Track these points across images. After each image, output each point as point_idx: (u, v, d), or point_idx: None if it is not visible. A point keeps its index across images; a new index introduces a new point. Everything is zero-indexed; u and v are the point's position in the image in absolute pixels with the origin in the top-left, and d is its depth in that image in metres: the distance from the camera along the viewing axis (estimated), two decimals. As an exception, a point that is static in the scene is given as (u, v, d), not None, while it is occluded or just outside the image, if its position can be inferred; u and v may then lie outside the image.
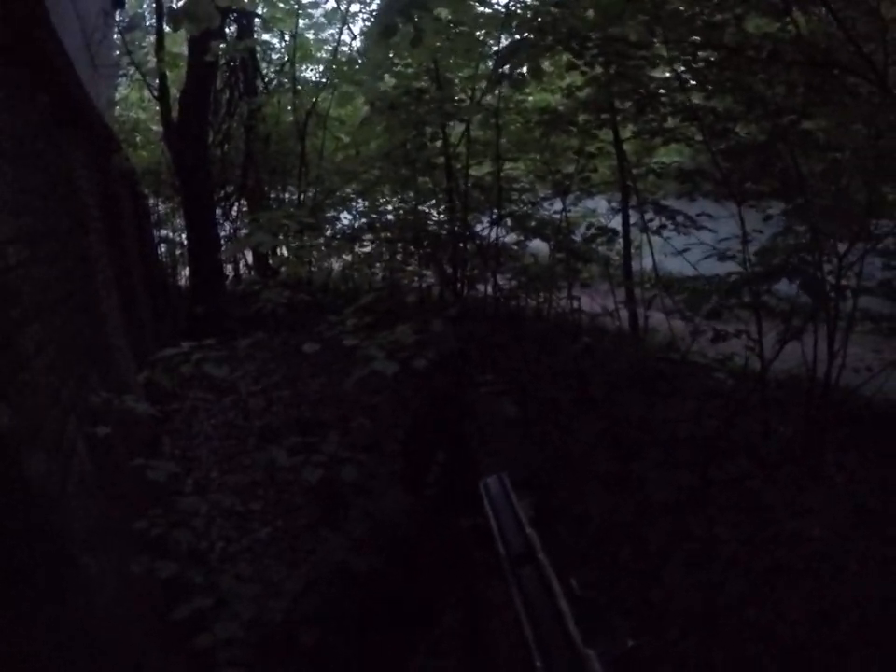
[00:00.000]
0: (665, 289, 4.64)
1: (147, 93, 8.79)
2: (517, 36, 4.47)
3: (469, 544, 1.43)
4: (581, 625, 0.85)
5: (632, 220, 5.44)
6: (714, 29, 3.72)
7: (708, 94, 4.31)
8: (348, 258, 7.02)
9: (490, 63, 5.29)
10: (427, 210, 6.28)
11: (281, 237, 4.55)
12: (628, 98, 4.53)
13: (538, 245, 5.79)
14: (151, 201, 8.58)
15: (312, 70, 9.08)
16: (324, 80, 8.01)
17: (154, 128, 9.38)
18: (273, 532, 2.66)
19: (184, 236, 8.09)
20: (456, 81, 5.83)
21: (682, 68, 4.23)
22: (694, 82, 4.30)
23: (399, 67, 5.94)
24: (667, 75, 4.45)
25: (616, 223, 5.49)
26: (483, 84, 5.20)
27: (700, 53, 4.07)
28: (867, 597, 3.13)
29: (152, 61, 7.83)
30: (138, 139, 9.24)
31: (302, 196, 7.54)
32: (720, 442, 3.89)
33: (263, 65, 9.16)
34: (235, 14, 7.90)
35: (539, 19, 4.18)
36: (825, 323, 4.09)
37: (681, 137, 4.65)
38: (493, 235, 5.59)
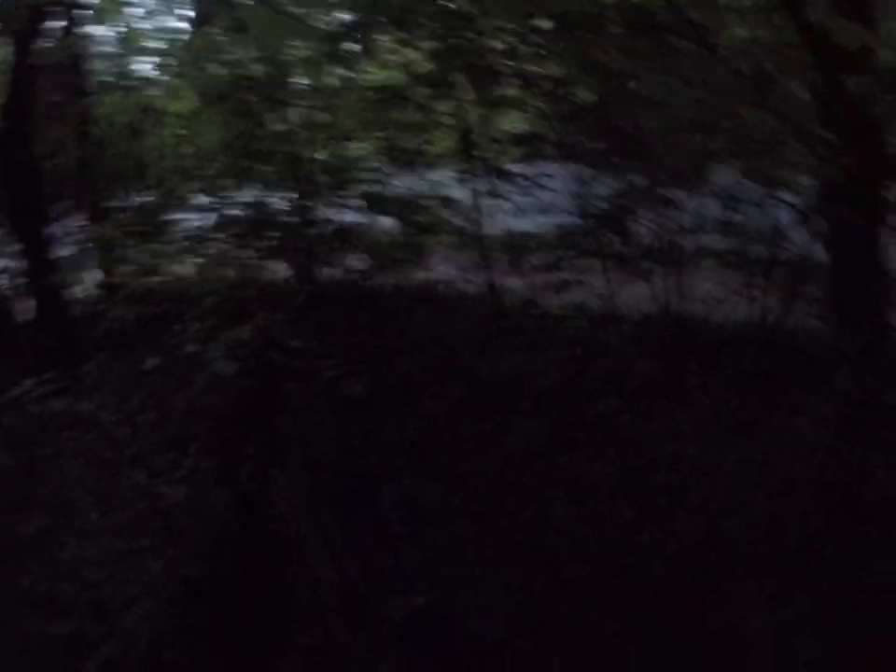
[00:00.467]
0: (512, 250, 4.82)
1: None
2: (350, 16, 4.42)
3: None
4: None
5: (479, 188, 5.56)
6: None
7: (543, 61, 4.44)
8: (199, 260, 6.74)
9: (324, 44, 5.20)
10: (273, 200, 6.13)
11: (120, 249, 4.33)
12: (465, 70, 4.60)
13: (390, 222, 5.82)
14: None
15: (147, 63, 8.50)
16: (157, 74, 7.56)
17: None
18: (168, 563, 2.60)
19: (20, 263, 7.46)
20: (291, 65, 5.68)
21: (515, 39, 4.34)
22: (529, 51, 4.42)
23: (231, 55, 5.71)
24: (502, 45, 4.54)
25: (464, 192, 5.58)
26: (321, 65, 5.12)
27: (538, 23, 4.19)
28: (746, 501, 3.43)
29: None
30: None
31: (140, 201, 7.15)
32: (583, 384, 4.09)
33: (96, 62, 8.45)
34: (63, 7, 7.24)
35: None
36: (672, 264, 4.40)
37: (520, 104, 4.79)
38: (343, 218, 5.56)
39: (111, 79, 8.23)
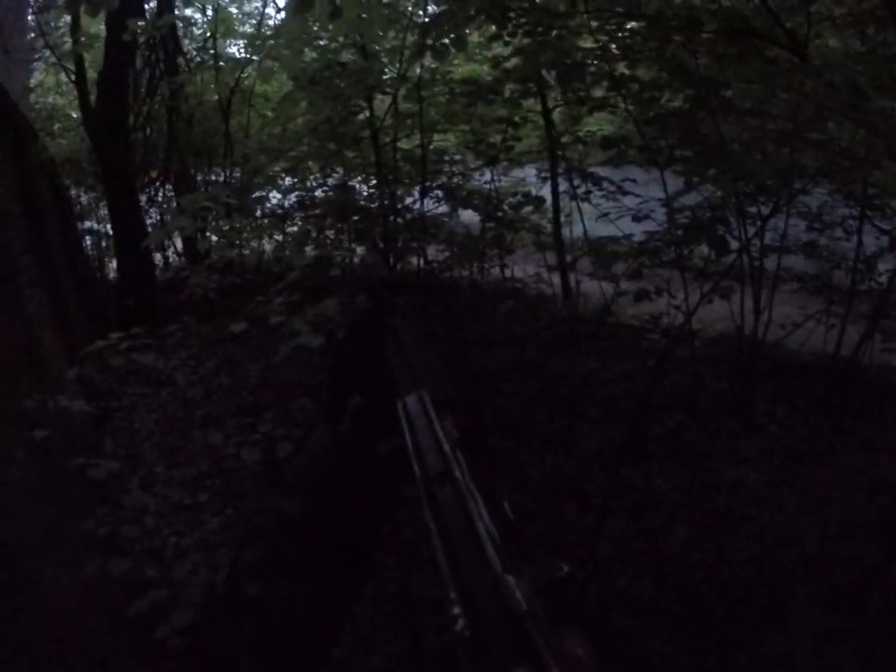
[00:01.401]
0: (595, 254, 4.77)
1: (63, 77, 8.34)
2: (440, 7, 4.45)
3: (387, 469, 1.39)
4: (504, 550, 0.75)
5: (561, 188, 5.53)
6: (638, -2, 3.79)
7: (632, 63, 4.39)
8: (279, 237, 6.90)
9: (415, 35, 5.25)
10: (356, 185, 6.22)
11: (207, 220, 4.45)
12: (554, 68, 4.57)
13: (469, 216, 5.83)
14: (73, 191, 8.21)
15: (235, 46, 8.78)
16: (247, 56, 7.76)
17: (73, 114, 8.94)
18: (224, 521, 2.66)
19: (109, 227, 7.78)
20: (382, 54, 5.76)
21: (606, 38, 4.30)
22: (619, 52, 4.36)
23: (323, 41, 5.83)
24: (592, 45, 4.50)
25: (546, 192, 5.55)
26: (408, 56, 5.16)
27: (624, 23, 4.14)
28: (804, 536, 3.34)
29: (69, 42, 7.41)
30: (56, 127, 8.78)
31: (229, 177, 7.36)
32: (653, 397, 4.04)
33: (185, 42, 8.79)
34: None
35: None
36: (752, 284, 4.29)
37: (607, 106, 4.73)
38: (422, 207, 5.60)
39: (201, 59, 8.53)
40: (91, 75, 7.31)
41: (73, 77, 7.37)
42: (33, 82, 8.35)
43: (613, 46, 4.33)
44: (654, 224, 4.18)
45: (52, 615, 2.37)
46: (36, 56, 8.15)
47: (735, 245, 3.93)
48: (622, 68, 4.50)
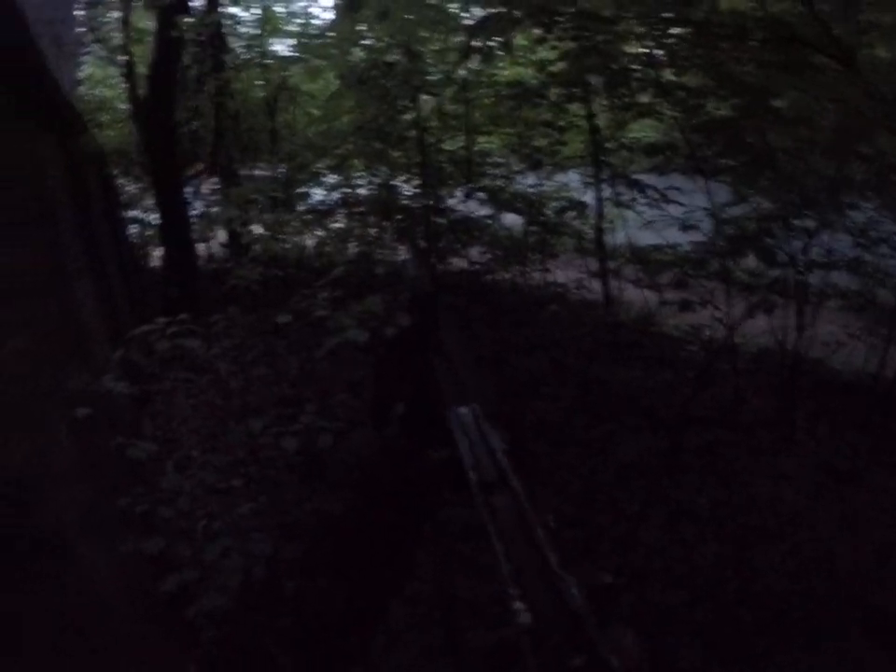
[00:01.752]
0: (636, 262, 4.73)
1: (112, 71, 8.56)
2: (487, 10, 4.45)
3: (436, 475, 1.43)
4: (559, 553, 0.80)
5: (605, 194, 5.49)
6: (685, 5, 3.75)
7: (679, 70, 4.35)
8: (321, 233, 6.98)
9: (461, 37, 5.27)
10: (399, 184, 6.26)
11: (252, 213, 4.52)
12: (599, 73, 4.55)
13: (512, 219, 5.82)
14: (120, 181, 8.40)
15: (282, 44, 8.91)
16: (294, 54, 7.87)
17: (121, 106, 9.16)
18: (257, 507, 2.70)
19: (155, 216, 7.95)
20: (427, 55, 5.79)
21: (652, 43, 4.27)
22: (666, 58, 4.33)
23: (370, 41, 5.88)
24: (639, 50, 4.47)
25: (589, 197, 5.52)
26: (454, 58, 5.19)
27: (671, 30, 4.11)
28: (839, 556, 3.27)
29: (118, 37, 7.62)
30: (105, 118, 9.01)
31: (275, 172, 7.46)
32: (692, 409, 4.00)
33: (232, 40, 8.96)
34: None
35: (509, -8, 4.15)
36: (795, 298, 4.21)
37: (653, 112, 4.69)
38: (466, 209, 5.60)
39: (248, 56, 8.67)
40: (140, 69, 7.49)
41: (122, 71, 7.56)
42: (81, 75, 8.57)
43: (659, 52, 4.30)
44: (699, 234, 4.13)
45: (89, 593, 2.42)
46: (85, 50, 8.37)
47: (780, 258, 3.87)
48: (668, 75, 4.46)
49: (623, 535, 3.39)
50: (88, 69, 9.23)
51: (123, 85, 8.02)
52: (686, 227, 4.11)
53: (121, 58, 7.55)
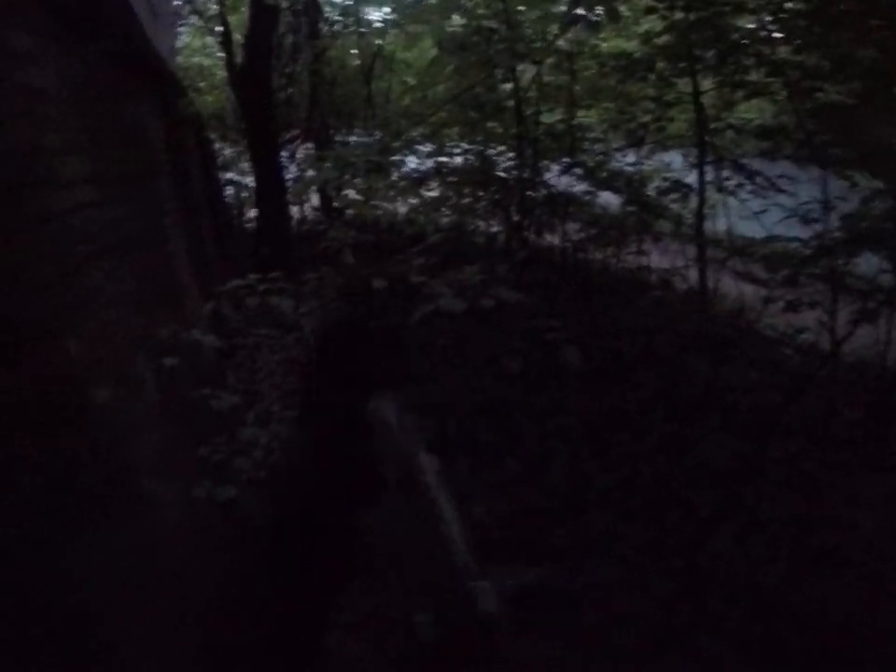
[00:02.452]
0: (739, 252, 4.47)
1: (209, 40, 8.79)
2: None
3: (355, 472, 1.41)
4: (474, 553, 0.76)
5: (708, 178, 5.20)
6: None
7: (796, 48, 4.05)
8: (414, 201, 6.97)
9: (564, 4, 5.08)
10: (495, 155, 6.17)
11: (347, 177, 4.53)
12: (709, 47, 4.30)
13: (608, 197, 5.64)
14: (217, 144, 8.65)
15: (377, 12, 8.91)
16: (390, 21, 7.84)
17: (218, 73, 9.40)
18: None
19: (250, 179, 8.15)
20: (527, 23, 5.63)
21: (769, 18, 3.99)
22: (781, 34, 4.05)
23: (468, 5, 5.76)
24: (752, 25, 4.20)
25: (691, 179, 5.26)
26: (556, 26, 5.00)
27: (788, 4, 3.84)
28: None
29: (213, 7, 7.82)
30: (203, 84, 9.27)
31: (369, 139, 7.49)
32: (781, 417, 3.77)
33: (327, 8, 9.02)
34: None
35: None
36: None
37: (765, 92, 4.40)
38: (562, 184, 5.45)
39: (344, 24, 8.71)
40: (236, 37, 7.66)
41: (219, 39, 7.75)
42: (179, 44, 8.82)
43: (774, 28, 4.02)
44: (810, 231, 3.82)
45: (157, 534, 2.51)
46: (182, 21, 8.61)
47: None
48: (782, 53, 4.17)
49: (690, 538, 3.26)
50: (185, 38, 9.49)
51: (220, 54, 8.20)
52: (807, 220, 3.81)
53: (218, 28, 7.71)
